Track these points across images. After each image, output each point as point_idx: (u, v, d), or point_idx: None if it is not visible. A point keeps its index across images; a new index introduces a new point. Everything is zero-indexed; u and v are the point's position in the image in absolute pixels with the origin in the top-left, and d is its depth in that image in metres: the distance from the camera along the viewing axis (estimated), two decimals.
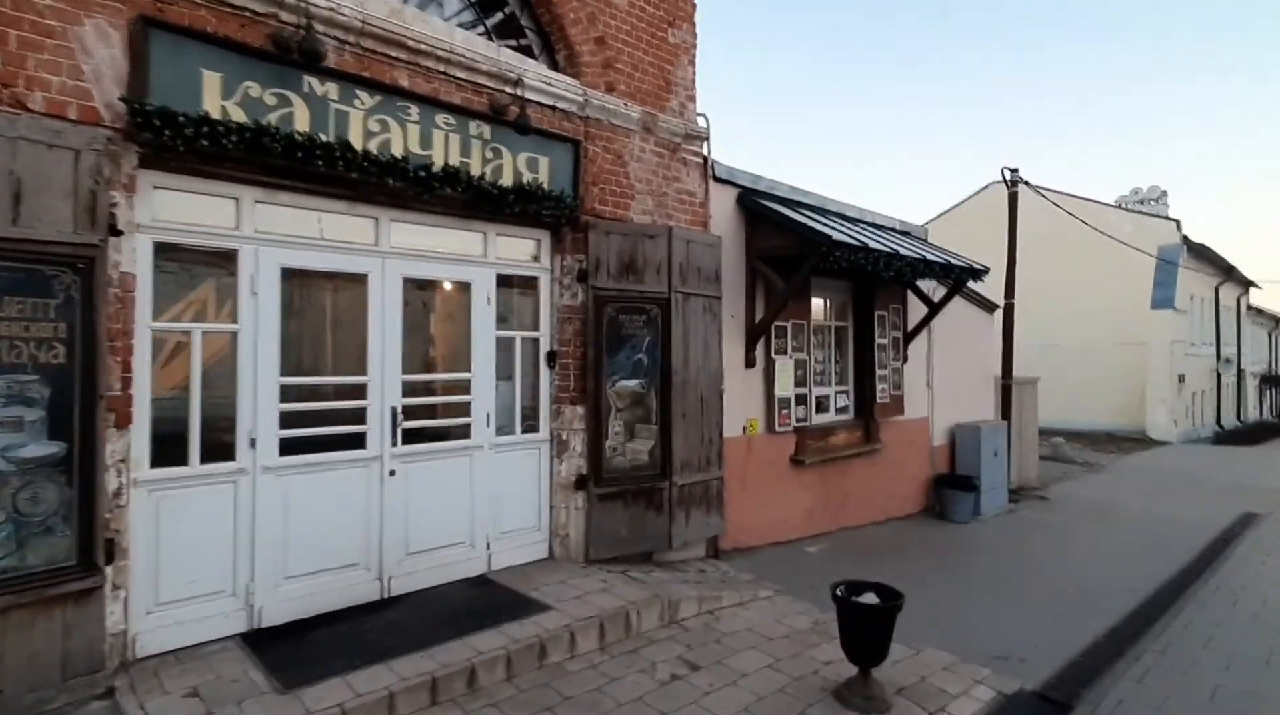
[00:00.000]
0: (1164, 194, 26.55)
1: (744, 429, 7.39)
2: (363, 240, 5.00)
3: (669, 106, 6.66)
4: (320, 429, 4.82)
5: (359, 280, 5.03)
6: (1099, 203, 23.10)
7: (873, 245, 6.98)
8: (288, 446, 4.64)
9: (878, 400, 8.92)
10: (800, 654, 4.93)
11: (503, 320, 5.88)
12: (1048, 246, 23.18)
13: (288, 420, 4.63)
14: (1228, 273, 27.36)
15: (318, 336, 5.43)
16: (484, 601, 5.04)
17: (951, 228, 24.45)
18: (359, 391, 5.00)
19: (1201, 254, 24.33)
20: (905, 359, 9.50)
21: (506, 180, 5.43)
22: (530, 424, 6.00)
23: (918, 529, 9.10)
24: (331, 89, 4.58)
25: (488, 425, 5.66)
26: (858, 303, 9.04)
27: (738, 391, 7.32)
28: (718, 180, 7.11)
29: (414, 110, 4.97)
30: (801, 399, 7.89)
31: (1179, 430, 23.06)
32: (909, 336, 9.44)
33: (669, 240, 6.30)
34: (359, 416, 4.98)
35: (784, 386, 7.67)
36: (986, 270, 8.77)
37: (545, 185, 5.65)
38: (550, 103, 5.72)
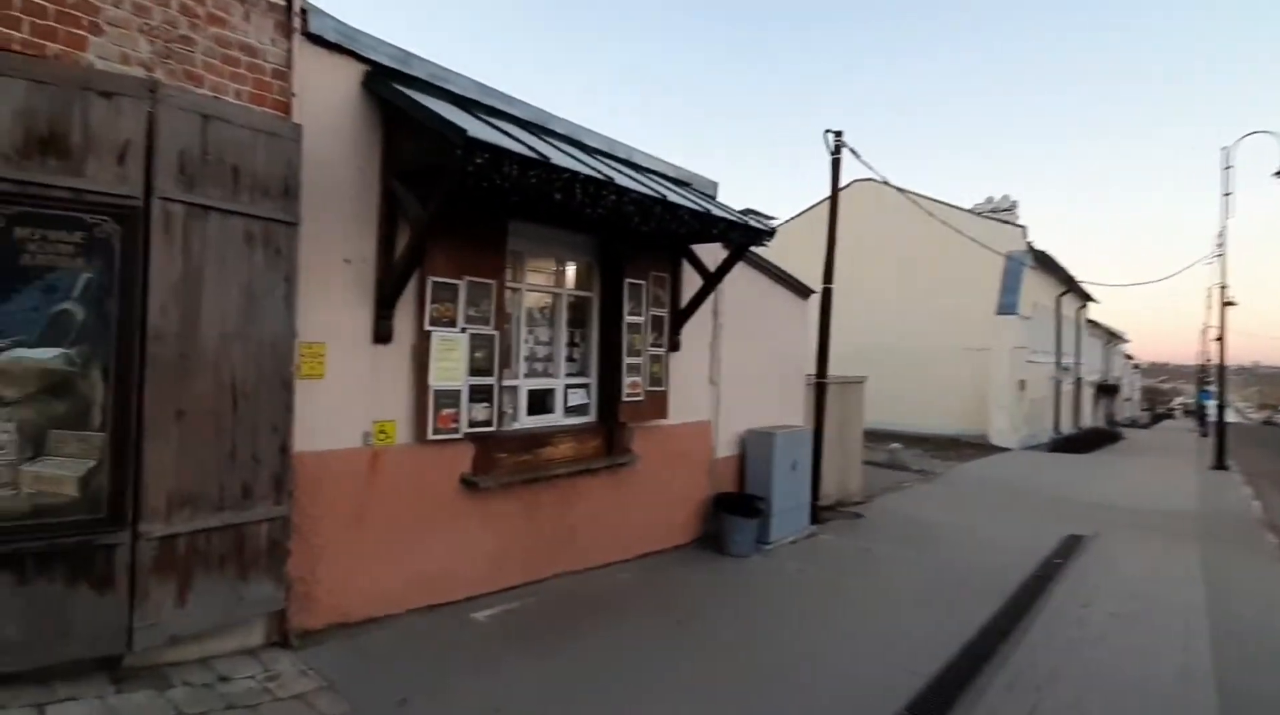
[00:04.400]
0: (1015, 204, 25.52)
1: (366, 437, 4.52)
2: None
3: None
4: None
5: None
6: (950, 205, 21.62)
7: (558, 161, 4.23)
8: None
9: (624, 399, 6.24)
10: None
11: None
12: (898, 247, 21.61)
13: None
14: (1069, 284, 26.74)
15: None
16: None
17: (809, 228, 22.52)
18: None
19: (1045, 263, 23.35)
20: (676, 347, 6.89)
21: None
22: None
23: (675, 570, 6.51)
24: None
25: None
26: (609, 268, 6.34)
27: (358, 379, 4.46)
28: (319, 42, 4.18)
29: None
30: (484, 393, 5.10)
31: (1018, 436, 21.93)
32: (679, 317, 6.83)
33: (150, 105, 3.34)
34: None
35: (447, 373, 4.85)
36: (770, 233, 6.26)
37: None
38: None
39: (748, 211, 24.33)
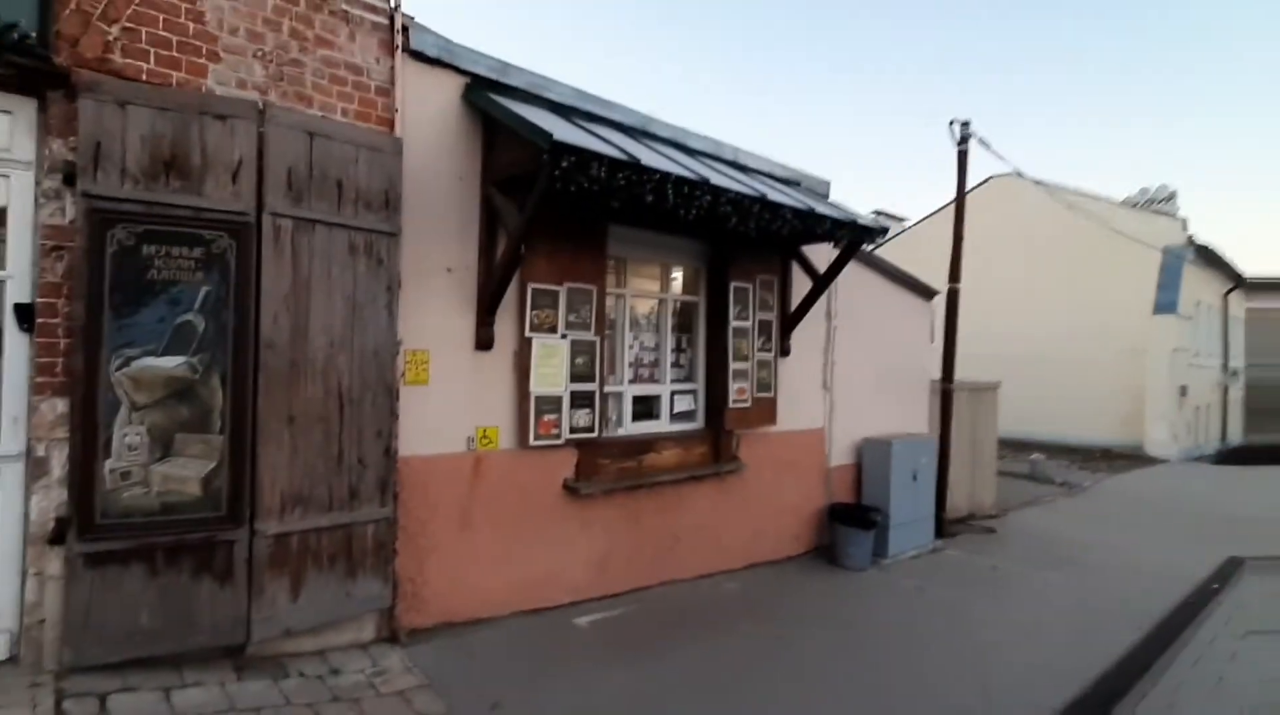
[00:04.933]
0: (1173, 194, 22.46)
1: (470, 442, 4.44)
2: None
3: None
4: None
5: None
6: (1098, 197, 19.33)
7: (648, 162, 3.95)
8: None
9: (731, 405, 5.85)
10: None
11: None
12: (1041, 244, 19.59)
13: None
14: (1237, 280, 23.18)
15: None
16: None
17: (940, 228, 20.86)
18: None
19: (1209, 257, 20.35)
20: (786, 351, 6.41)
21: None
22: None
23: (783, 583, 6.02)
24: None
25: None
26: (715, 272, 5.99)
27: (461, 385, 4.39)
28: (421, 58, 4.15)
29: None
30: (586, 399, 4.90)
31: (1179, 447, 19.18)
32: (789, 321, 6.35)
33: (259, 126, 3.40)
34: None
35: (548, 380, 4.69)
36: (881, 230, 5.65)
37: None
38: None
39: (878, 213, 23.01)
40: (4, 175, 3.15)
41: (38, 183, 3.17)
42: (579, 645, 4.47)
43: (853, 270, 6.89)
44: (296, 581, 3.57)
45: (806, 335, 6.64)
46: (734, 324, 5.84)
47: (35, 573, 3.14)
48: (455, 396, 4.35)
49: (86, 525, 3.10)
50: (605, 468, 5.08)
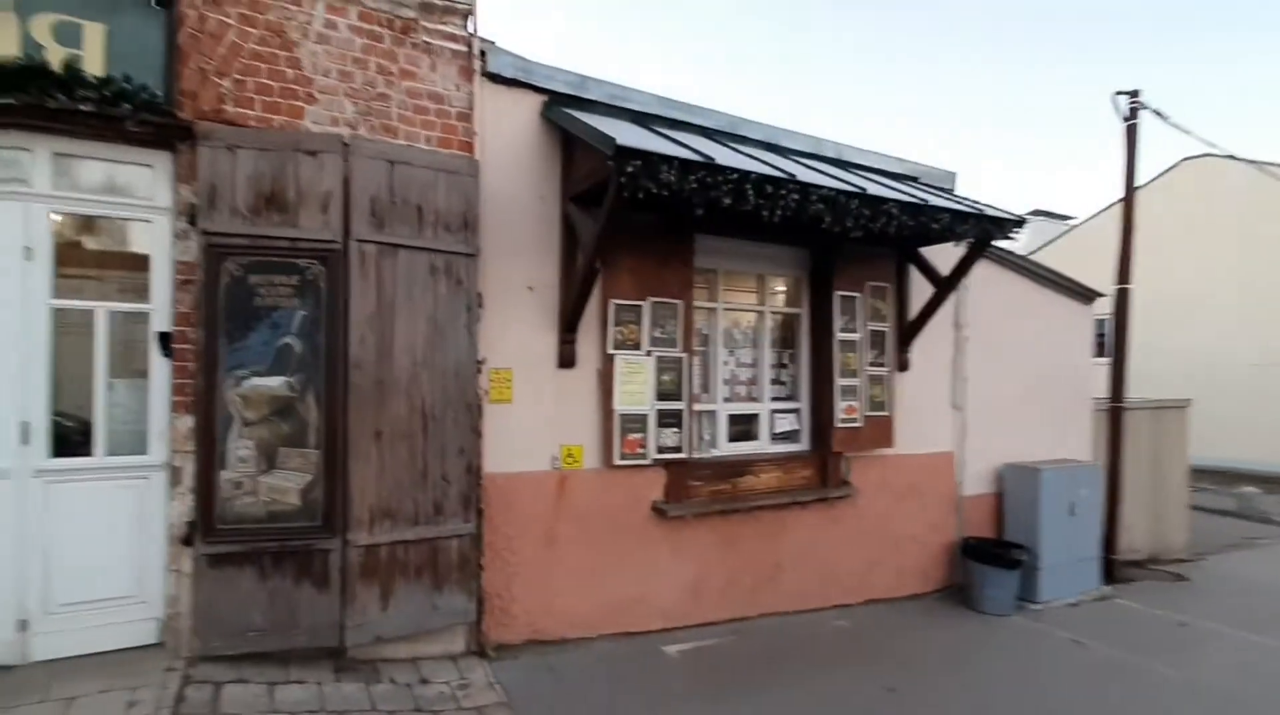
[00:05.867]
0: None
1: (554, 460, 4.51)
2: None
3: None
4: None
5: None
6: None
7: (724, 160, 3.82)
8: None
9: (839, 424, 5.50)
10: None
11: (76, 282, 3.64)
12: (1253, 237, 16.76)
13: None
14: None
15: None
16: None
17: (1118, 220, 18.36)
18: None
19: None
20: (904, 366, 5.94)
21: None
22: (134, 442, 3.67)
23: (904, 624, 5.51)
24: None
25: (25, 441, 3.43)
26: (819, 281, 5.69)
27: (545, 403, 4.49)
28: (499, 80, 4.34)
29: None
30: (674, 418, 4.81)
31: None
32: (907, 332, 5.87)
33: (344, 158, 3.69)
34: None
35: (633, 397, 4.66)
36: (1016, 222, 5.05)
37: (91, 69, 3.33)
38: None
39: (1037, 212, 20.64)
40: (148, 221, 3.67)
41: (173, 223, 3.66)
42: (665, 675, 4.36)
43: (987, 272, 6.29)
44: (386, 591, 3.80)
45: (930, 347, 6.11)
46: (840, 336, 5.51)
47: (174, 569, 3.59)
48: (539, 414, 4.45)
49: (208, 529, 3.51)
50: (696, 490, 4.95)
